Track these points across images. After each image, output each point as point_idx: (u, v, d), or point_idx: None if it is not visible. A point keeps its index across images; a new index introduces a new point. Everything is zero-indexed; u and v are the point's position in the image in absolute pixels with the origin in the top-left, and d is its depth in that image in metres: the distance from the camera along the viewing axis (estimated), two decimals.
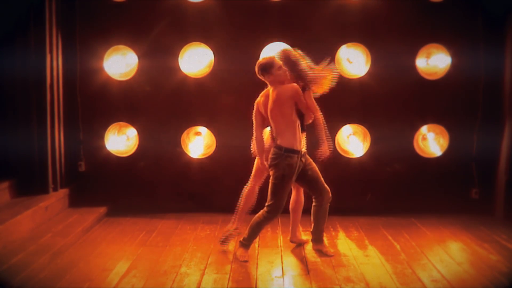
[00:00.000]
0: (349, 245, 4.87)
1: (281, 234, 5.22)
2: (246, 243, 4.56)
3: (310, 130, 4.53)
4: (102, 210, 5.81)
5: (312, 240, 4.72)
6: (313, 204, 4.59)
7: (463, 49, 5.82)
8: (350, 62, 5.92)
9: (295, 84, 4.36)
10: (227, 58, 5.87)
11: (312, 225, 4.67)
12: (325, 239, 4.74)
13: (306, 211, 4.77)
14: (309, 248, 4.80)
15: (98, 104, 6.05)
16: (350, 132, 6.01)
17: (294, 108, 4.35)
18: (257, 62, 4.48)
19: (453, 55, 5.82)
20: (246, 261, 4.44)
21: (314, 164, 4.54)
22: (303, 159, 4.44)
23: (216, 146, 6.00)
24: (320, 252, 4.64)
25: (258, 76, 4.46)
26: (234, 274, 4.17)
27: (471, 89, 5.91)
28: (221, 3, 5.89)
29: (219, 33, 5.90)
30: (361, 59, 5.90)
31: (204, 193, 6.09)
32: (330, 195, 4.55)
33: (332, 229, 5.31)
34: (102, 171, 6.11)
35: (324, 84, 4.39)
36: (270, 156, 4.43)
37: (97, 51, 5.91)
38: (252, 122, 4.58)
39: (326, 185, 4.54)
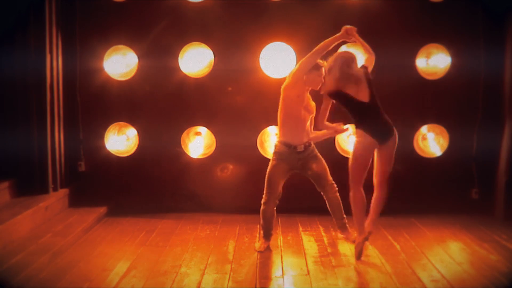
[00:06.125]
0: (349, 245, 4.85)
1: (281, 234, 5.22)
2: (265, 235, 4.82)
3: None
4: (102, 210, 5.80)
5: (338, 228, 5.06)
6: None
7: (463, 49, 5.82)
8: None
9: None
10: (227, 58, 5.86)
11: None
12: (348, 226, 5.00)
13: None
14: (309, 247, 4.80)
15: (98, 104, 6.04)
16: (350, 132, 5.99)
17: None
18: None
19: (453, 55, 5.82)
20: (261, 251, 4.66)
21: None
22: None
23: (216, 146, 6.00)
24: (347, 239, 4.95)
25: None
26: (234, 274, 4.16)
27: (471, 89, 5.90)
28: (221, 3, 5.88)
29: (219, 33, 5.90)
30: (361, 59, 5.88)
31: (204, 193, 6.08)
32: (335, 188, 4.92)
33: (332, 229, 5.31)
34: (102, 171, 6.10)
35: None
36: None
37: (97, 51, 5.90)
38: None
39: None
